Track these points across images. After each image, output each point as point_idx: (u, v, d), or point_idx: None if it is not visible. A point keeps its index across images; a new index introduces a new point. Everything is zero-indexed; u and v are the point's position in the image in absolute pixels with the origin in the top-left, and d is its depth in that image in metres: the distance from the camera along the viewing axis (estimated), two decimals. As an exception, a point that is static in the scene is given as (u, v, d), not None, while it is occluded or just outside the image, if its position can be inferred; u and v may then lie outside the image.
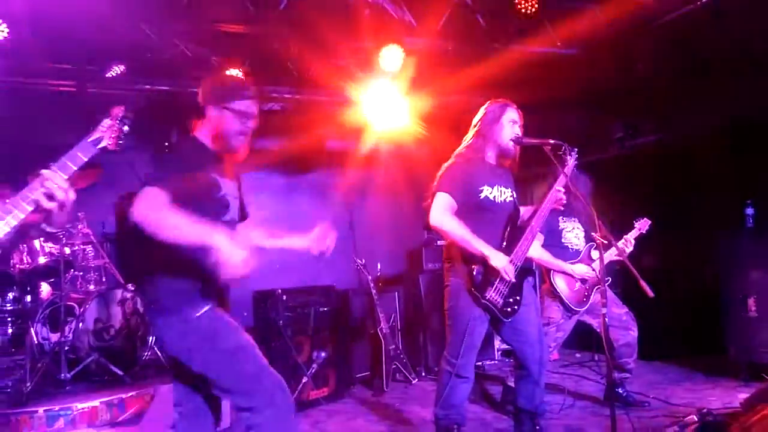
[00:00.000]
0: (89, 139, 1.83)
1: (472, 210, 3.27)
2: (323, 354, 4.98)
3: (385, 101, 6.12)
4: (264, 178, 7.00)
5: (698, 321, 5.65)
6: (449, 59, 5.72)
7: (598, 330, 4.44)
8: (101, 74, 5.50)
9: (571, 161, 3.31)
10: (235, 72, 5.61)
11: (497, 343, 6.39)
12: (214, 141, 2.55)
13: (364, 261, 5.80)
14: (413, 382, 5.68)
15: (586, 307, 4.34)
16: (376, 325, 5.58)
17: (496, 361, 6.36)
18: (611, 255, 4.24)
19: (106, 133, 1.87)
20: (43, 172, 1.75)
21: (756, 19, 4.80)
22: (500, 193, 3.36)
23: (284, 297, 5.16)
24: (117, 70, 5.46)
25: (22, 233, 1.86)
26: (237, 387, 2.43)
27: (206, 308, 2.43)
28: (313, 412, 4.83)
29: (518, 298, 3.33)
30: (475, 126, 3.44)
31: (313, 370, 4.92)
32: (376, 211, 7.42)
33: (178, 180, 2.28)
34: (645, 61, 5.59)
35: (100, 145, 1.85)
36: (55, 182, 1.74)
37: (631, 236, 4.45)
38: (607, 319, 2.98)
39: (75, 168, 1.77)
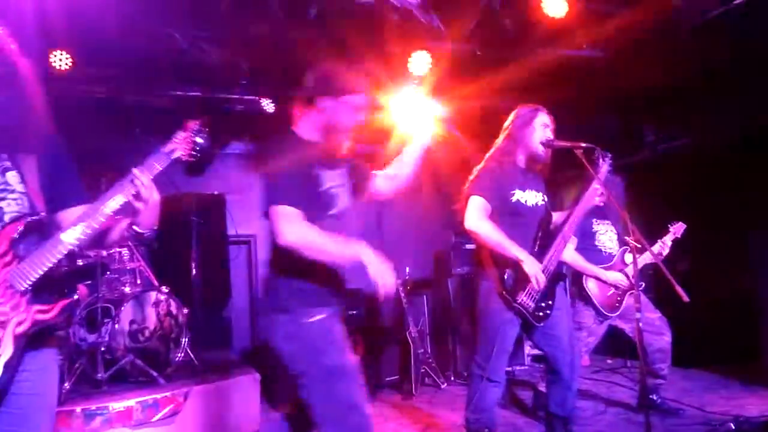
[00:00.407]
0: (164, 150, 1.89)
1: (504, 214, 3.27)
2: (354, 358, 5.00)
3: (412, 105, 6.13)
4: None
5: (734, 326, 5.53)
6: (477, 64, 5.72)
7: (631, 335, 4.38)
8: (136, 81, 5.61)
9: (605, 166, 3.29)
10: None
11: (527, 348, 6.33)
12: (322, 132, 2.46)
13: (392, 264, 5.80)
14: (442, 386, 5.67)
15: (618, 312, 4.29)
16: (404, 329, 5.59)
17: (527, 366, 6.31)
18: (645, 259, 4.19)
19: (179, 145, 1.92)
20: (133, 170, 1.83)
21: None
22: (532, 197, 3.35)
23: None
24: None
25: (106, 233, 1.93)
26: (320, 408, 2.32)
27: (320, 316, 2.34)
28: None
29: (550, 302, 3.31)
30: (506, 129, 3.44)
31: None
32: (404, 215, 7.42)
33: (295, 187, 2.29)
34: (674, 64, 5.52)
35: (174, 156, 1.90)
36: (142, 181, 1.82)
37: (667, 240, 4.40)
38: (641, 324, 2.94)
39: (151, 177, 1.84)
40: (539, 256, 3.24)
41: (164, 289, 5.25)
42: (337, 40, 5.56)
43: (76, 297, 1.83)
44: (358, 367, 2.36)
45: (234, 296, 6.56)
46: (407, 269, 6.16)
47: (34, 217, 1.83)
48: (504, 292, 3.22)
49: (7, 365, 1.69)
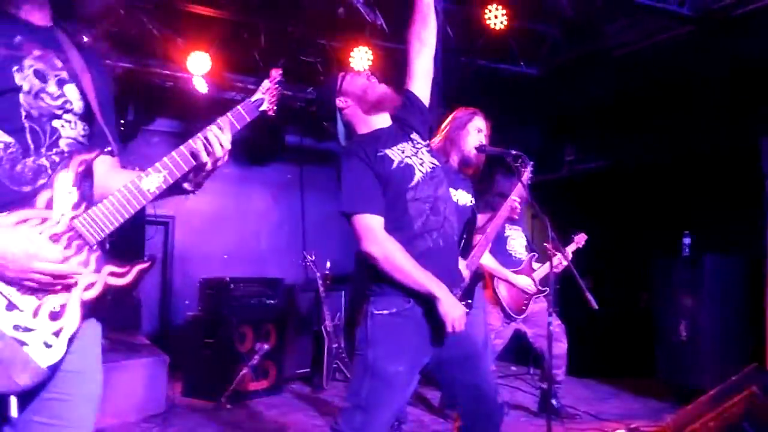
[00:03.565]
0: (252, 100, 1.64)
1: None
2: (266, 346, 4.95)
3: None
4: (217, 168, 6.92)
5: (630, 343, 5.89)
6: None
7: (532, 341, 4.58)
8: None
9: (526, 173, 3.44)
10: (200, 55, 5.56)
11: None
12: (365, 113, 2.43)
13: (314, 257, 5.80)
14: (353, 381, 5.70)
15: (524, 316, 4.47)
16: (320, 322, 5.58)
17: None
18: (545, 269, 4.40)
19: (266, 96, 1.67)
20: (218, 120, 1.54)
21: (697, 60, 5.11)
22: (462, 197, 3.45)
23: (231, 286, 5.13)
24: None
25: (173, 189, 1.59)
26: (350, 386, 2.32)
27: (389, 311, 2.26)
28: (251, 404, 4.81)
29: (470, 301, 3.40)
30: (442, 131, 3.52)
31: (255, 362, 4.89)
32: (328, 210, 7.43)
33: (369, 188, 2.26)
34: (601, 87, 5.83)
35: (262, 108, 1.65)
36: (219, 136, 1.53)
37: (570, 249, 4.63)
38: (551, 328, 3.08)
39: (238, 127, 1.59)
40: (463, 255, 3.33)
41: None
42: (279, 24, 5.54)
43: (149, 262, 1.50)
44: (403, 380, 2.27)
45: (146, 277, 6.36)
46: (328, 263, 6.16)
47: (108, 150, 1.51)
48: None
49: (71, 340, 1.35)
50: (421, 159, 2.43)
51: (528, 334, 4.62)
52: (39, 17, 1.47)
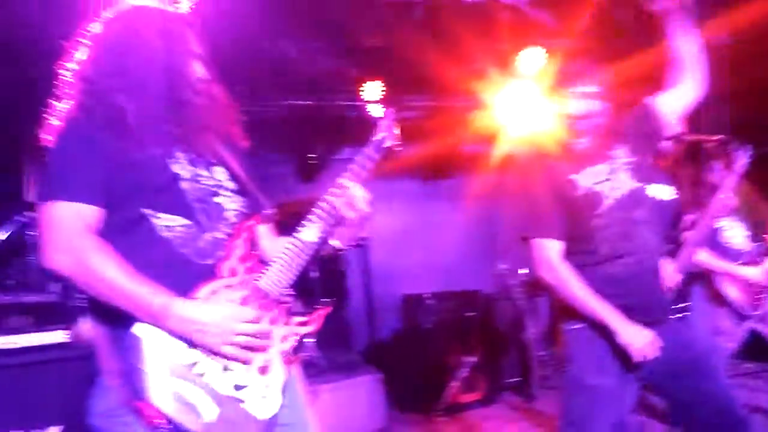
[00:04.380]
0: (376, 138, 1.70)
1: None
2: (473, 358, 5.01)
3: (522, 103, 6.04)
4: (399, 185, 7.15)
5: None
6: (593, 59, 5.55)
7: (772, 337, 4.11)
8: (249, 93, 5.85)
9: (743, 160, 3.11)
10: (374, 83, 5.80)
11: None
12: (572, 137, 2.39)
13: (507, 266, 5.75)
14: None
15: (760, 312, 4.02)
16: (523, 330, 5.51)
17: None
18: None
19: (387, 133, 1.72)
20: (341, 180, 1.61)
21: None
22: (660, 192, 3.22)
23: (431, 301, 5.26)
24: None
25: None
26: (564, 416, 2.40)
27: (579, 326, 2.26)
28: (465, 416, 4.89)
29: (683, 306, 3.17)
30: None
31: (464, 374, 4.95)
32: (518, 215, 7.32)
33: (551, 212, 2.26)
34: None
35: (386, 145, 1.70)
36: (355, 191, 1.60)
37: None
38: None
39: (370, 167, 1.65)
40: (672, 254, 3.11)
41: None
42: (444, 38, 5.58)
43: (329, 306, 1.63)
44: (610, 394, 2.23)
45: (351, 298, 6.75)
46: (523, 270, 6.06)
47: (268, 211, 1.65)
48: None
49: (283, 390, 1.48)
50: (617, 183, 2.30)
51: (765, 332, 4.15)
52: None
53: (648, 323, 2.17)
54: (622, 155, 2.36)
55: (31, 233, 3.91)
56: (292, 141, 6.62)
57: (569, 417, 2.30)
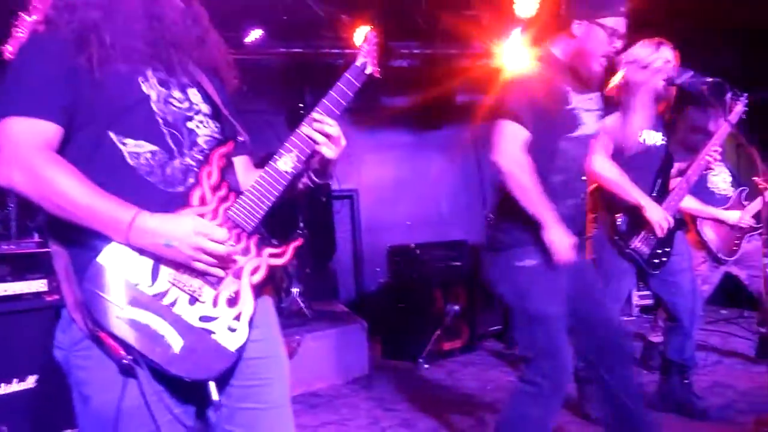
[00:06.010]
0: (357, 65, 1.61)
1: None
2: (456, 307, 5.04)
3: (520, 50, 5.89)
4: (391, 135, 7.08)
5: None
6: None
7: (747, 282, 4.15)
8: (239, 40, 5.73)
9: (739, 106, 3.07)
10: (364, 28, 5.65)
11: (635, 299, 6.18)
12: (573, 57, 2.34)
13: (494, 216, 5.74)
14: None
15: (735, 257, 4.04)
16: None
17: (634, 318, 6.15)
18: (764, 202, 3.89)
19: (368, 59, 1.62)
20: (317, 110, 1.54)
21: None
22: (650, 137, 3.19)
23: (417, 251, 5.26)
24: (255, 34, 5.67)
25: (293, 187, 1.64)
26: (522, 346, 2.56)
27: (531, 262, 2.30)
28: (447, 363, 4.94)
29: (668, 249, 3.17)
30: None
31: (447, 323, 4.99)
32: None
33: (530, 105, 2.23)
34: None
35: (367, 71, 1.62)
36: (330, 122, 1.54)
37: None
38: (768, 270, 2.76)
39: (351, 94, 1.59)
40: (658, 199, 3.10)
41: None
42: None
43: (301, 239, 1.57)
44: (562, 316, 2.33)
45: (339, 249, 6.75)
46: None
47: (240, 138, 1.56)
48: (616, 237, 3.11)
49: (250, 322, 1.43)
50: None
51: (741, 277, 4.19)
52: None
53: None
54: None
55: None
56: (283, 90, 6.51)
57: (536, 347, 2.34)
